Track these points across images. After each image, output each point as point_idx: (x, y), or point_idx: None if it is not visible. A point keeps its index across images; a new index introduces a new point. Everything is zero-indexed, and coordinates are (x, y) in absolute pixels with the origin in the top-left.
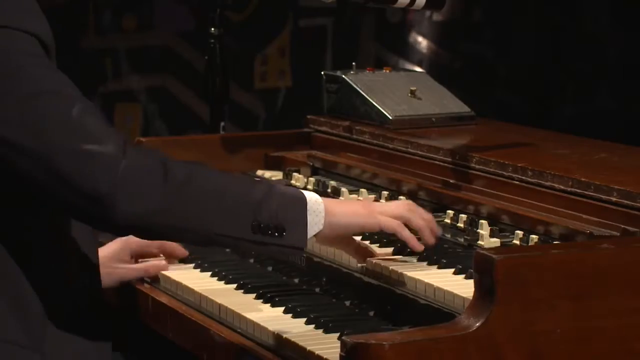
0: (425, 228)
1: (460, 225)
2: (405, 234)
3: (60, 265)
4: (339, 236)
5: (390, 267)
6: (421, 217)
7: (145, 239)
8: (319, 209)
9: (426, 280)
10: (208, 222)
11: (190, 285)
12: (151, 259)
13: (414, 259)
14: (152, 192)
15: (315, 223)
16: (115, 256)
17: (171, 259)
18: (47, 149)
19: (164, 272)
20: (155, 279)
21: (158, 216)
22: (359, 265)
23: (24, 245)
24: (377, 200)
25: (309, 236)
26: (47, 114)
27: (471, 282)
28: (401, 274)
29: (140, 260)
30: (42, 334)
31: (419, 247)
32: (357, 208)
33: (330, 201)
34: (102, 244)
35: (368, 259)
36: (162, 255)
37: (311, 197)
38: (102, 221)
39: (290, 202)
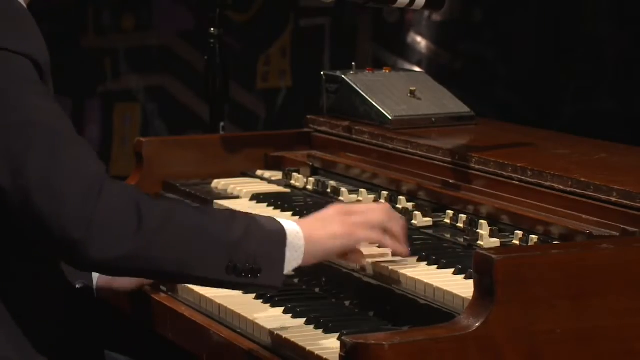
0: (403, 236)
1: (460, 225)
2: (387, 242)
3: (47, 279)
4: (321, 260)
5: (390, 267)
6: (398, 223)
7: (117, 276)
8: (298, 244)
9: (426, 280)
10: (182, 266)
11: (190, 286)
12: None
13: (414, 259)
14: (125, 239)
15: (294, 259)
16: None
17: None
18: (26, 185)
19: None
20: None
21: (130, 262)
22: (359, 266)
23: (10, 260)
24: (376, 200)
25: (285, 272)
26: (29, 148)
27: (471, 282)
28: (401, 274)
29: None
30: (33, 350)
31: (405, 250)
32: (336, 229)
33: (310, 226)
34: None
35: (368, 259)
36: None
37: (291, 230)
38: (74, 263)
39: (268, 241)
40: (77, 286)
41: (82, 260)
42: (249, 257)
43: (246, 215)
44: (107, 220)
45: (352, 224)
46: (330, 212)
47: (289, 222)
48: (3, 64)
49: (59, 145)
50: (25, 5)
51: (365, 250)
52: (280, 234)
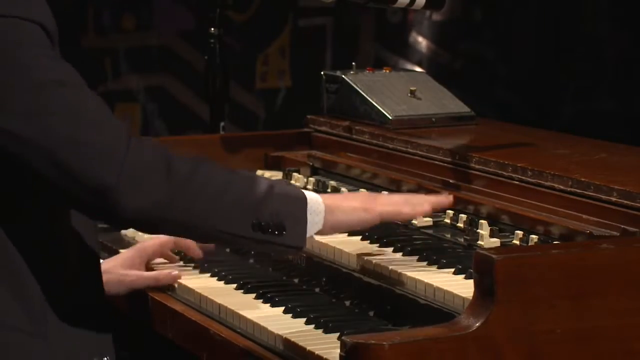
0: (432, 205)
1: (460, 225)
2: (406, 211)
3: (60, 252)
4: (340, 232)
5: (390, 267)
6: (421, 206)
7: (147, 232)
8: (319, 209)
9: (426, 280)
10: (210, 218)
11: (190, 285)
12: (164, 266)
13: (414, 259)
14: (156, 187)
15: (315, 222)
16: (127, 263)
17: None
18: (52, 141)
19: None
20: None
21: (161, 210)
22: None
23: (24, 233)
24: None
25: (308, 235)
26: (52, 105)
27: (471, 282)
28: (401, 274)
29: (153, 264)
30: (44, 320)
31: (425, 207)
32: (357, 204)
33: (331, 198)
34: (117, 252)
35: (367, 259)
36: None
37: (312, 197)
38: (106, 215)
39: (291, 201)
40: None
41: (115, 210)
42: (273, 214)
43: (267, 178)
44: (137, 168)
45: (372, 199)
46: (355, 193)
47: (309, 192)
48: (15, 30)
49: (82, 102)
50: None
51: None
52: (300, 198)
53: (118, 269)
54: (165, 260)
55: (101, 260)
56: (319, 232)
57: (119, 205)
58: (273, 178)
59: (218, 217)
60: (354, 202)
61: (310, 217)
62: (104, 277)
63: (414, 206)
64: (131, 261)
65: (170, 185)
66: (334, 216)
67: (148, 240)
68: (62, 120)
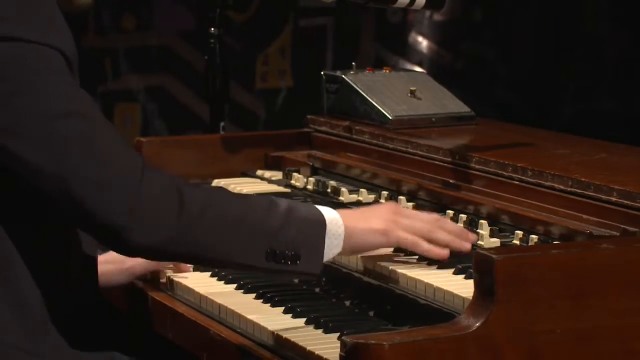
0: (452, 241)
1: (460, 225)
2: (424, 248)
3: (61, 268)
4: (359, 253)
5: (390, 267)
6: (446, 230)
7: (160, 261)
8: (338, 232)
9: (426, 280)
10: (222, 251)
11: (190, 286)
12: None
13: (414, 259)
14: (168, 224)
15: (334, 246)
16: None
17: None
18: (66, 173)
19: (163, 273)
20: (155, 279)
21: (172, 246)
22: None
23: (26, 250)
24: (376, 200)
25: (324, 260)
26: (68, 137)
27: (471, 282)
28: (401, 274)
29: None
30: (43, 338)
31: (443, 253)
32: (377, 224)
33: (351, 218)
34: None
35: (367, 259)
36: None
37: (331, 218)
38: (117, 248)
39: (309, 226)
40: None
41: (126, 245)
42: (289, 243)
43: (286, 202)
44: (149, 205)
45: (394, 222)
46: (379, 208)
47: (329, 210)
48: (34, 56)
49: (97, 133)
50: None
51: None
52: (319, 221)
53: (117, 257)
54: None
55: (101, 254)
56: (339, 254)
57: (130, 243)
58: (273, 178)
59: (230, 250)
60: (375, 222)
61: (328, 242)
62: (103, 268)
63: (432, 247)
64: None
65: (181, 221)
66: (352, 240)
67: None
68: (76, 151)
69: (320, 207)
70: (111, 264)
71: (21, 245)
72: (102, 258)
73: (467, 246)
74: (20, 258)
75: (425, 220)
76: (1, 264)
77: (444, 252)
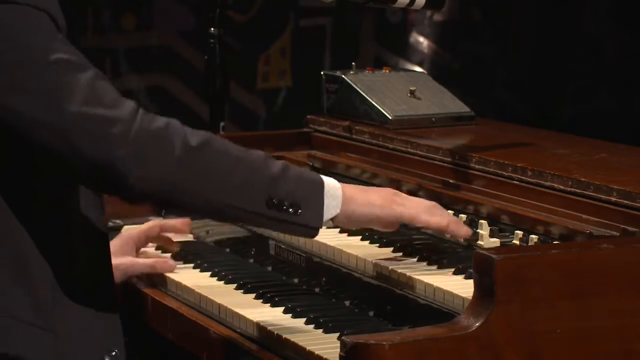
0: (450, 223)
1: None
2: (421, 219)
3: (66, 239)
4: (355, 225)
5: (390, 267)
6: (442, 216)
7: (157, 207)
8: (336, 194)
9: (426, 280)
10: (221, 191)
11: (190, 286)
12: (157, 254)
13: (414, 259)
14: (165, 157)
15: (332, 206)
16: (118, 251)
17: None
18: (60, 116)
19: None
20: (155, 279)
21: (171, 181)
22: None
23: (34, 223)
24: None
25: (325, 218)
26: (59, 82)
27: (471, 282)
28: (401, 274)
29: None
30: (52, 313)
31: (443, 221)
32: (376, 198)
33: (349, 188)
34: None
35: (367, 259)
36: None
37: (329, 181)
38: (116, 187)
39: (307, 182)
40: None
41: (124, 181)
42: (289, 193)
43: (281, 161)
44: (147, 139)
45: (392, 200)
46: (379, 189)
47: (327, 177)
48: (25, 15)
49: (89, 79)
50: None
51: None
52: (318, 180)
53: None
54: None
55: None
56: (334, 220)
57: (129, 177)
58: None
59: (230, 192)
60: (373, 196)
61: (327, 201)
62: None
63: (433, 215)
64: (120, 249)
65: (180, 155)
66: (350, 206)
67: (134, 228)
68: (69, 95)
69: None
70: None
71: (26, 222)
72: None
73: (465, 230)
74: (27, 235)
75: (423, 201)
76: (8, 241)
77: (444, 221)
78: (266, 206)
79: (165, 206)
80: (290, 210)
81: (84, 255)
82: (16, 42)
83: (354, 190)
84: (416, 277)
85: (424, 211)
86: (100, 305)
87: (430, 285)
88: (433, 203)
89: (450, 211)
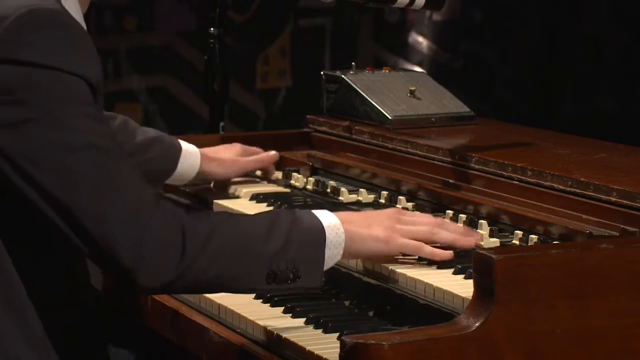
0: (455, 240)
1: (460, 225)
2: (426, 251)
3: (60, 282)
4: (361, 258)
5: (390, 267)
6: (449, 230)
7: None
8: (338, 241)
9: (426, 280)
10: (224, 282)
11: None
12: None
13: (414, 259)
14: (171, 266)
15: (334, 255)
16: (236, 153)
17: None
18: (74, 206)
19: None
20: None
21: (177, 284)
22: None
23: (24, 269)
24: (376, 200)
25: (325, 269)
26: (81, 171)
27: (471, 282)
28: (401, 274)
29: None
30: (46, 353)
31: (445, 254)
32: (378, 232)
33: (352, 224)
34: None
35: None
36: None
37: (332, 226)
38: (126, 285)
39: (309, 243)
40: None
41: (132, 284)
42: (289, 264)
43: (287, 216)
44: (154, 248)
45: (394, 229)
46: (380, 214)
47: (329, 216)
48: (57, 84)
49: (110, 169)
50: (81, 16)
51: None
52: (319, 234)
53: (233, 154)
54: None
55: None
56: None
57: (135, 282)
58: (273, 178)
59: (233, 279)
60: (376, 229)
61: (328, 252)
62: (217, 161)
63: (434, 250)
64: (238, 152)
65: (185, 262)
66: (353, 248)
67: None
68: (87, 185)
69: (320, 214)
70: (224, 158)
71: (20, 265)
72: (211, 153)
73: (471, 242)
74: (18, 277)
75: (426, 222)
76: (3, 281)
77: (447, 253)
78: (266, 282)
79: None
80: (289, 281)
81: (75, 298)
82: (45, 114)
83: (356, 224)
84: (416, 277)
85: (429, 235)
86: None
87: (430, 285)
88: (435, 220)
89: (449, 211)
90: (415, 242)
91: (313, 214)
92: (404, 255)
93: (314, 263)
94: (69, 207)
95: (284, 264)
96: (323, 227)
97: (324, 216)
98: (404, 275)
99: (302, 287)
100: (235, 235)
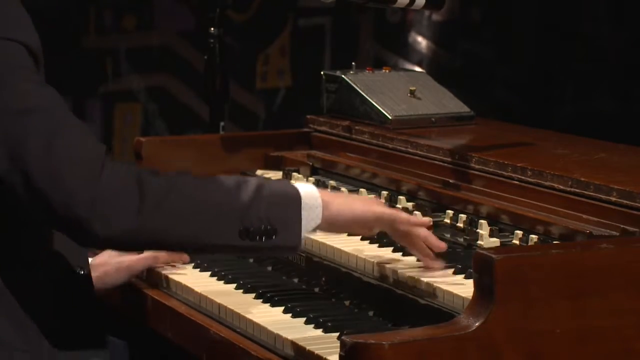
0: (430, 235)
1: (460, 225)
2: (401, 217)
3: (50, 264)
4: (337, 229)
5: (390, 267)
6: (427, 239)
7: (125, 252)
8: (315, 204)
9: (426, 280)
10: (192, 234)
11: (190, 285)
12: None
13: (414, 259)
14: (128, 214)
15: (311, 218)
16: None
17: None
18: (26, 168)
19: (163, 272)
20: (155, 279)
21: (136, 235)
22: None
23: (16, 256)
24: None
25: (304, 232)
26: (29, 133)
27: (471, 282)
28: (401, 273)
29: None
30: (39, 341)
31: (424, 220)
32: (356, 202)
33: (328, 194)
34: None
35: (367, 259)
36: None
37: (307, 191)
38: (81, 241)
39: (281, 201)
40: (80, 272)
41: (88, 237)
42: (262, 219)
43: (256, 179)
44: (109, 196)
45: (373, 202)
46: (355, 195)
47: (305, 185)
48: (5, 52)
49: (58, 129)
50: None
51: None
52: (294, 195)
53: (112, 258)
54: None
55: (94, 256)
56: (317, 228)
57: (92, 234)
58: (273, 178)
59: (200, 233)
60: (353, 200)
61: (305, 214)
62: (101, 270)
63: (410, 218)
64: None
65: (142, 212)
66: (330, 211)
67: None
68: (36, 147)
69: (295, 183)
70: (108, 264)
71: (10, 257)
72: (98, 260)
73: (436, 266)
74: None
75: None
76: None
77: (425, 220)
78: (240, 237)
79: (137, 251)
80: (264, 237)
81: (60, 290)
82: None
83: (333, 195)
84: (416, 276)
85: (408, 218)
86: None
87: (430, 285)
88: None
89: (450, 211)
90: (391, 210)
91: (285, 180)
92: (399, 249)
93: (290, 220)
94: (22, 170)
95: (257, 218)
96: (297, 189)
97: (298, 184)
98: (404, 275)
99: (280, 245)
100: (199, 188)
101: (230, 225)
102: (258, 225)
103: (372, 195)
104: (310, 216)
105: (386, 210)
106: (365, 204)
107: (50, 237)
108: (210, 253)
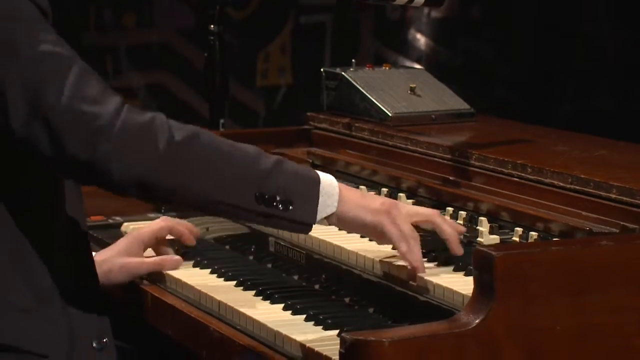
0: (454, 236)
1: (460, 222)
2: (404, 249)
3: (60, 236)
4: (346, 227)
5: (390, 264)
6: (450, 225)
7: (141, 199)
8: (333, 192)
9: (426, 277)
10: (208, 187)
11: (190, 282)
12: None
13: None
14: (149, 152)
15: (327, 204)
16: (125, 250)
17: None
18: (45, 111)
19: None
20: (155, 276)
21: (154, 177)
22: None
23: (27, 216)
24: None
25: (319, 216)
26: (46, 77)
27: (471, 279)
28: (401, 270)
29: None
30: (50, 302)
31: (416, 264)
32: (373, 205)
33: (347, 188)
34: (109, 244)
35: (367, 256)
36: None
37: (326, 178)
38: (99, 181)
39: (302, 178)
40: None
41: (107, 177)
42: (280, 188)
43: (276, 156)
44: (129, 135)
45: (387, 210)
46: (379, 196)
47: (325, 174)
48: (10, 6)
49: (74, 72)
50: None
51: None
52: (314, 177)
53: (117, 257)
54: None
55: (99, 251)
56: (329, 218)
57: (110, 172)
58: None
59: (217, 187)
60: (371, 201)
61: (322, 199)
62: (106, 267)
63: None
64: (128, 248)
65: (164, 151)
66: (346, 206)
67: (143, 227)
68: (55, 91)
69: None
70: (113, 263)
71: (22, 218)
72: (102, 256)
73: (460, 249)
74: (22, 228)
75: (420, 211)
76: (4, 231)
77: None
78: (255, 201)
79: (150, 198)
80: (281, 206)
81: (67, 251)
82: (2, 35)
83: (352, 191)
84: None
85: (431, 215)
86: (91, 298)
87: (430, 282)
88: (432, 212)
89: (450, 208)
90: (398, 234)
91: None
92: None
93: (308, 197)
94: (42, 115)
95: (275, 188)
96: (317, 173)
97: (319, 172)
98: (404, 272)
99: (295, 219)
100: (222, 143)
101: (248, 187)
102: (275, 193)
103: (372, 193)
104: (326, 202)
105: (394, 233)
106: (380, 209)
107: (63, 200)
108: (224, 215)
